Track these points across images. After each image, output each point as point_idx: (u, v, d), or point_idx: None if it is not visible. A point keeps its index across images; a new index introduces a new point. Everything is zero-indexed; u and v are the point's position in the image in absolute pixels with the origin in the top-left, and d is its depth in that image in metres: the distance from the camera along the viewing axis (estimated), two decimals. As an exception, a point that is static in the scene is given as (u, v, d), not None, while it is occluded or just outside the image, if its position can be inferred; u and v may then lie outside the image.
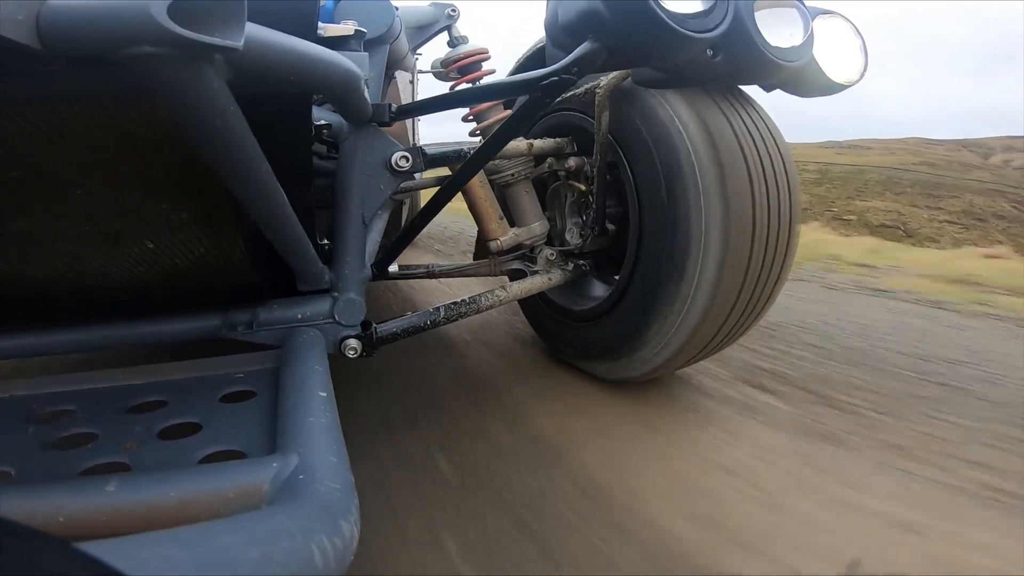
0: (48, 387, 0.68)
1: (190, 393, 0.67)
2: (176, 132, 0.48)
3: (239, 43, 0.37)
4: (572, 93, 1.16)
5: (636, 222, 1.12)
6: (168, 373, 0.72)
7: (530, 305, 1.52)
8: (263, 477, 0.46)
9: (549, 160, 1.30)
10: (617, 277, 1.21)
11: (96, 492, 0.42)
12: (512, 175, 1.27)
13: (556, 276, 1.27)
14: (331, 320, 0.91)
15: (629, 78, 1.03)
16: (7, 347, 0.83)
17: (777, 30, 0.73)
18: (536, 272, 1.29)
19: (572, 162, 1.26)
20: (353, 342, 0.92)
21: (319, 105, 1.13)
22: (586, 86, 1.13)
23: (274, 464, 0.47)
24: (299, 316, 0.89)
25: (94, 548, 0.24)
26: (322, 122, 1.07)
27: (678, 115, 1.01)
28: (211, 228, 0.76)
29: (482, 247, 1.43)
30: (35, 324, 0.85)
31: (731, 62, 0.74)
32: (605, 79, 1.07)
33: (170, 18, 0.34)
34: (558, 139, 1.29)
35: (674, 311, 1.06)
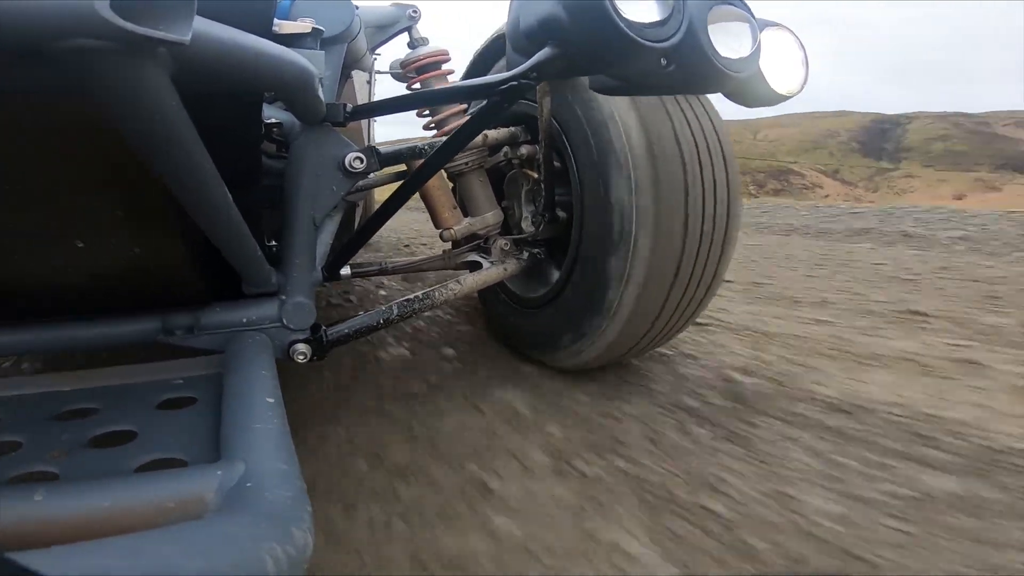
0: None
1: (124, 400, 0.63)
2: (111, 128, 0.45)
3: (186, 37, 0.36)
4: None
5: (578, 209, 1.15)
6: (100, 379, 0.68)
7: (486, 295, 1.52)
8: (207, 486, 0.43)
9: (505, 149, 1.31)
10: None
11: (23, 501, 0.39)
12: (466, 164, 1.28)
13: (512, 266, 1.27)
14: (278, 324, 0.88)
15: None
16: None
17: (727, 41, 0.76)
18: (491, 263, 1.29)
19: (524, 150, 1.28)
20: (302, 346, 0.90)
21: (270, 103, 1.09)
22: None
23: (218, 472, 0.44)
24: (244, 320, 0.86)
25: (24, 557, 0.22)
26: (272, 120, 1.03)
27: (615, 105, 1.05)
28: (147, 227, 0.72)
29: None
30: None
31: (683, 72, 0.76)
32: None
33: (114, 11, 0.32)
34: (511, 128, 1.30)
35: (608, 298, 1.10)
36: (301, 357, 0.89)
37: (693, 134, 1.08)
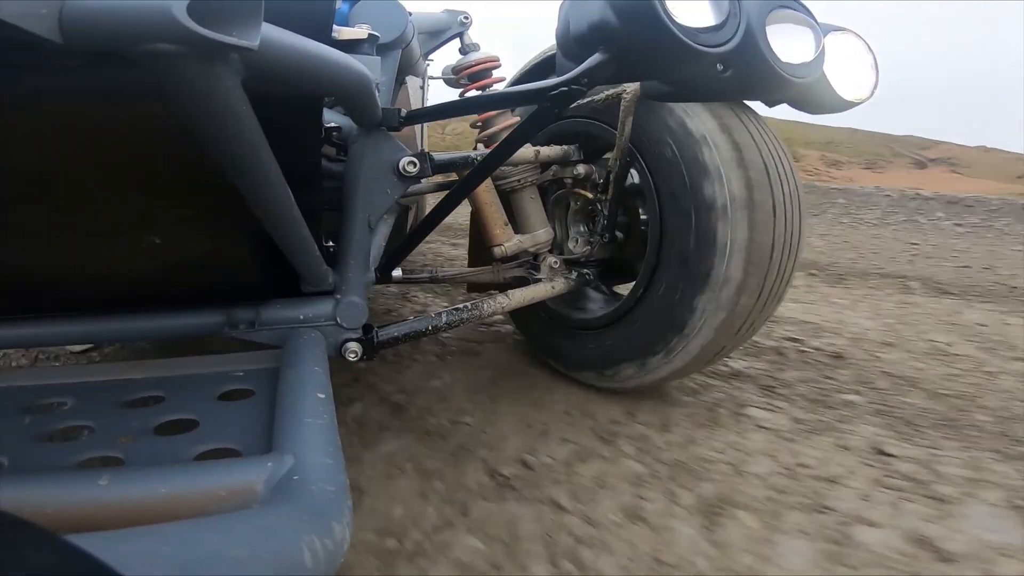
0: (45, 379, 0.68)
1: (188, 390, 0.66)
2: (186, 129, 0.48)
3: (255, 43, 0.37)
4: (590, 99, 1.17)
5: (656, 229, 1.12)
6: (166, 369, 0.72)
7: (522, 313, 1.48)
8: (257, 476, 0.45)
9: (553, 168, 1.30)
10: (614, 288, 1.20)
11: (88, 485, 0.42)
12: (518, 181, 1.27)
13: (559, 284, 1.26)
14: (333, 322, 0.91)
15: None
16: (7, 337, 0.83)
17: (788, 46, 0.73)
18: (539, 280, 1.28)
19: (581, 169, 1.26)
20: (354, 345, 0.92)
21: (330, 107, 1.13)
22: (607, 92, 1.12)
23: (269, 464, 0.46)
24: (301, 317, 0.89)
25: (81, 540, 0.24)
26: (332, 124, 1.07)
27: (704, 124, 1.02)
28: (217, 225, 0.76)
29: (478, 254, 1.42)
30: (37, 315, 0.85)
31: (741, 77, 0.74)
32: (631, 85, 1.07)
33: (190, 16, 0.34)
34: (565, 146, 1.29)
35: (695, 317, 1.06)
36: (352, 355, 0.92)
37: (769, 148, 1.04)
